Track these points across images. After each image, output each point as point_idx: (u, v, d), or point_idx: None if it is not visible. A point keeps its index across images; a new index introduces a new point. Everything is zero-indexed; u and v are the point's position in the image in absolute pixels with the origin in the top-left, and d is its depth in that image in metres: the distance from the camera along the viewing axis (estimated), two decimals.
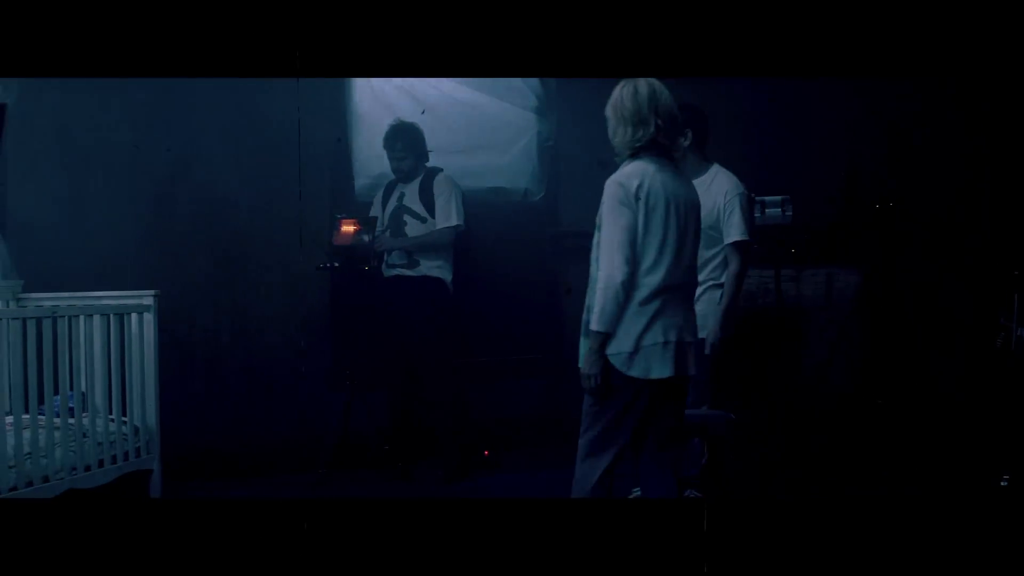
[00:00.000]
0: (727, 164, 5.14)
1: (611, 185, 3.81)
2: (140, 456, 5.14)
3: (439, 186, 6.03)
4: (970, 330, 6.49)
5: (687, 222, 3.88)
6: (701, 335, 5.00)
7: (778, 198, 5.57)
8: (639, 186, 3.77)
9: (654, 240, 3.80)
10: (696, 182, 5.06)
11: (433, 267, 6.02)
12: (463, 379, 6.20)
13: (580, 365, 3.89)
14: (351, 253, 5.86)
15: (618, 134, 3.88)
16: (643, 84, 3.84)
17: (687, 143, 5.01)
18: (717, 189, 5.03)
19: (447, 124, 6.09)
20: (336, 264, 5.90)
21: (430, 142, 6.14)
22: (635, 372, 3.82)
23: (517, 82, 6.93)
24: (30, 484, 4.38)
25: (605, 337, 3.80)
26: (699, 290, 5.04)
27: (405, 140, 6.01)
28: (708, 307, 5.05)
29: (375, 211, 6.13)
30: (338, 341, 6.47)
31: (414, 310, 5.99)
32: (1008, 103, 6.15)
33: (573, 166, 6.73)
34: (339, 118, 6.61)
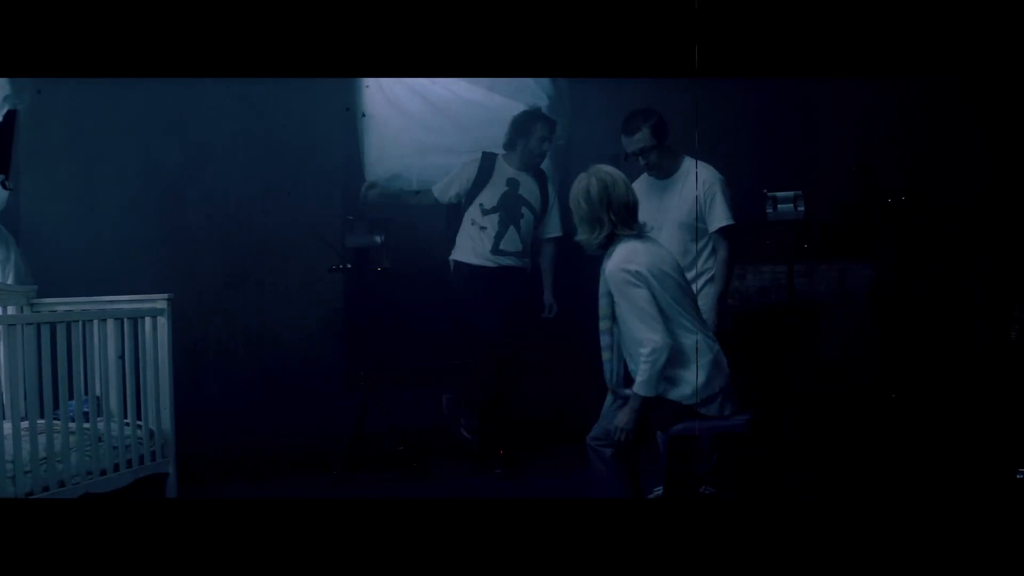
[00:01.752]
0: (738, 161, 5.15)
1: (616, 272, 4.15)
2: (155, 460, 5.14)
3: (552, 193, 6.09)
4: (985, 323, 6.46)
5: (682, 277, 4.33)
6: None
7: (790, 193, 5.55)
8: (639, 265, 4.11)
9: (682, 303, 4.21)
10: (671, 180, 5.11)
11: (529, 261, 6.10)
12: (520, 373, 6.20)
13: (613, 424, 4.21)
14: (364, 254, 5.86)
15: (579, 230, 4.34)
16: (595, 183, 4.23)
17: (668, 143, 5.06)
18: (694, 183, 5.05)
19: (458, 124, 6.06)
20: (349, 265, 5.91)
21: (442, 141, 6.14)
22: (711, 411, 4.20)
23: (528, 82, 6.91)
24: (46, 489, 4.38)
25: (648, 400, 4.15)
26: (700, 283, 5.07)
27: (548, 125, 5.97)
28: (707, 301, 5.05)
29: (463, 180, 6.01)
30: (352, 342, 6.46)
31: (527, 300, 6.07)
32: (1021, 99, 6.12)
33: (584, 165, 6.72)
34: (349, 119, 6.60)
